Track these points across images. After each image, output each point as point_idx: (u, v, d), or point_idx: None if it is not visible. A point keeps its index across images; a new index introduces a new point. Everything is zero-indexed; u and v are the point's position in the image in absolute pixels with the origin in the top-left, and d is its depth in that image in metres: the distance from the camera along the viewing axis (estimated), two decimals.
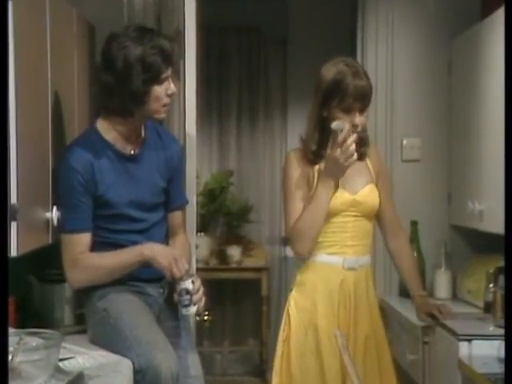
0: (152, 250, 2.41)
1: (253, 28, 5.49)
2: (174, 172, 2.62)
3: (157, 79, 2.38)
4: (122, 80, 2.36)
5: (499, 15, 3.04)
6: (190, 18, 3.02)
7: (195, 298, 2.40)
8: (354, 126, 2.55)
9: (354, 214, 2.67)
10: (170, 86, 2.42)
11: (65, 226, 2.41)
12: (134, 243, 2.45)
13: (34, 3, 2.29)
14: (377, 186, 2.78)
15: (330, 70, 2.60)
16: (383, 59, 3.94)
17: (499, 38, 2.83)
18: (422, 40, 3.97)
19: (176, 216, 2.67)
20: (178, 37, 3.03)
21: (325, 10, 5.33)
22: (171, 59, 2.41)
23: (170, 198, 2.62)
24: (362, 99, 2.58)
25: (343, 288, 2.66)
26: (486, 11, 3.59)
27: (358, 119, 2.57)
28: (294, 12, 5.45)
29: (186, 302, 2.40)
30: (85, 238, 2.42)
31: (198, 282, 2.43)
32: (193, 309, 2.42)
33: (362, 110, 2.59)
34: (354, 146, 2.49)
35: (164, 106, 2.44)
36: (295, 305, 2.67)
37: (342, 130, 2.50)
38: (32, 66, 2.24)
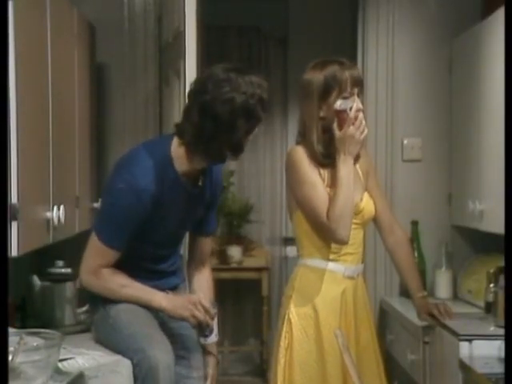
0: (171, 304, 2.37)
1: (253, 28, 5.49)
2: (213, 199, 2.58)
3: (255, 128, 2.32)
4: (225, 129, 2.26)
5: (499, 15, 3.04)
6: (190, 17, 3.02)
7: (215, 326, 2.43)
8: (359, 110, 2.55)
9: (354, 221, 2.61)
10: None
11: (103, 236, 2.35)
12: (152, 267, 2.47)
13: (34, 3, 2.29)
14: (367, 187, 2.75)
15: (316, 72, 2.58)
16: (384, 59, 3.93)
17: (500, 38, 2.82)
18: (423, 40, 3.97)
19: (206, 242, 2.64)
20: (179, 37, 3.03)
21: (325, 10, 5.33)
22: (267, 105, 2.32)
23: (204, 223, 2.59)
24: (359, 84, 2.59)
25: (344, 296, 2.63)
26: (487, 11, 3.59)
27: (359, 103, 2.56)
28: (294, 12, 5.45)
29: (207, 333, 2.44)
30: (113, 255, 2.36)
31: (215, 310, 2.41)
32: (213, 338, 2.47)
33: (358, 95, 2.58)
34: (364, 121, 2.54)
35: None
36: (296, 311, 2.62)
37: (350, 108, 2.52)
38: (32, 66, 2.24)
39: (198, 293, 2.53)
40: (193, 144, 2.32)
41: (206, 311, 2.35)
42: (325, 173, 2.62)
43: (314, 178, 2.59)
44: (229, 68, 2.28)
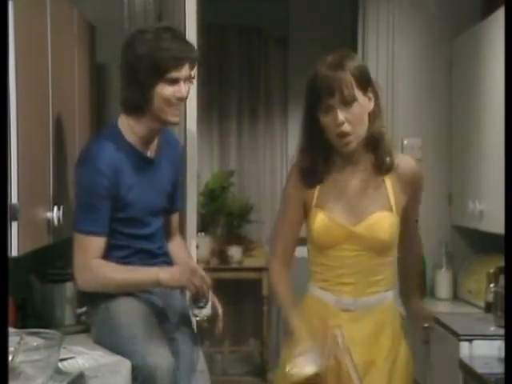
0: (168, 274, 2.36)
1: (253, 28, 5.49)
2: (177, 176, 2.64)
3: (162, 76, 2.36)
4: (131, 73, 2.37)
5: (499, 15, 3.04)
6: (191, 17, 3.02)
7: (211, 297, 2.43)
8: (338, 125, 2.11)
9: (354, 247, 2.20)
10: (180, 90, 2.39)
11: (81, 226, 2.37)
12: (141, 248, 2.47)
13: (34, 3, 2.29)
14: (401, 211, 2.23)
15: (309, 74, 2.19)
16: (384, 59, 3.94)
17: (499, 38, 2.83)
18: (423, 40, 3.98)
19: (175, 218, 2.71)
20: None
21: (325, 9, 5.34)
22: (182, 61, 2.38)
23: (173, 201, 2.64)
24: (332, 92, 2.09)
25: (340, 333, 2.15)
26: (487, 11, 3.60)
27: (342, 115, 2.10)
28: (294, 12, 5.45)
29: (202, 304, 2.40)
30: (99, 242, 2.37)
31: (210, 281, 2.41)
32: (207, 310, 2.43)
33: (345, 103, 2.10)
34: None
35: (171, 107, 2.41)
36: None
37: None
38: (32, 66, 2.24)
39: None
40: (122, 102, 2.46)
41: (203, 279, 2.34)
42: (315, 191, 2.25)
43: (290, 209, 2.29)
44: (151, 27, 2.47)
